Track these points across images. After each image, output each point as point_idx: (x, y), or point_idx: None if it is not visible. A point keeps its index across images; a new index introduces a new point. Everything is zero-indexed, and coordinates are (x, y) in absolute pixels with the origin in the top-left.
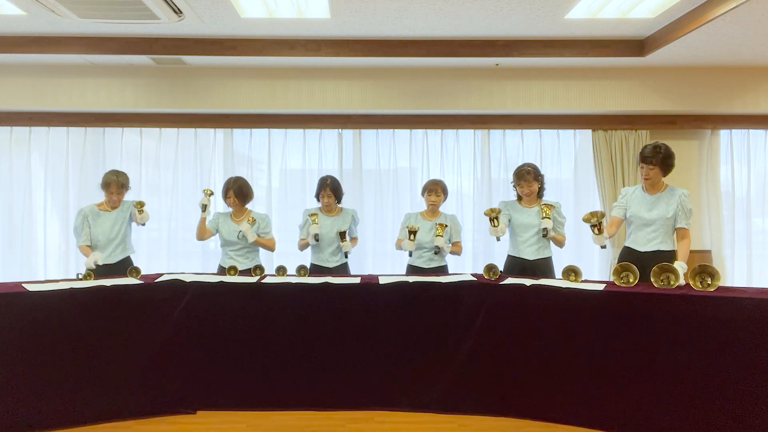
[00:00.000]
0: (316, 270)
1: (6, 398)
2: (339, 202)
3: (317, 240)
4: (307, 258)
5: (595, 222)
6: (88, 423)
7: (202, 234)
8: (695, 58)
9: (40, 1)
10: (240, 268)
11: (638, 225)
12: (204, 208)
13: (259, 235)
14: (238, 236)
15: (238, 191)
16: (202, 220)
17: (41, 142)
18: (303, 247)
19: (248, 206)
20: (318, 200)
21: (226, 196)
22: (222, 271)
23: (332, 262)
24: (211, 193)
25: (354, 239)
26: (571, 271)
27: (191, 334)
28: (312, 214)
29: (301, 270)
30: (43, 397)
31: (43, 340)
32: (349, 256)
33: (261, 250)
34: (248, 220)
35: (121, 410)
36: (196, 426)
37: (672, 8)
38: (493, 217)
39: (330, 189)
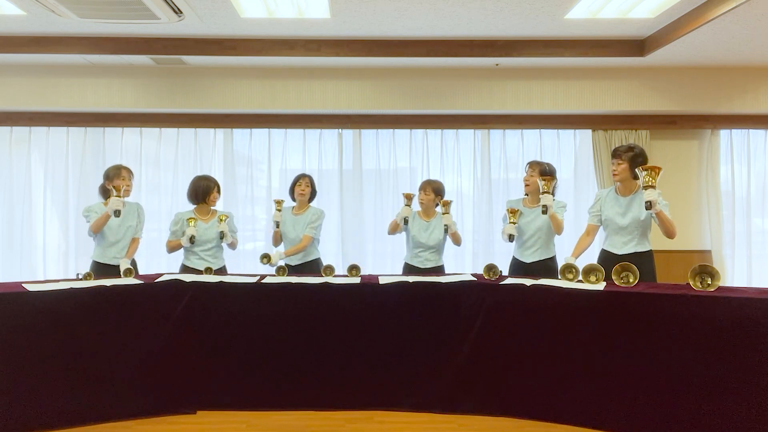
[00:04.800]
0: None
1: (6, 398)
2: (312, 199)
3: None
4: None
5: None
6: (88, 423)
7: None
8: (695, 58)
9: (40, 1)
10: (214, 268)
11: (614, 229)
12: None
13: (231, 235)
14: (221, 236)
15: (218, 189)
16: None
17: (41, 142)
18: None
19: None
20: (292, 196)
21: (211, 194)
22: (187, 271)
23: (295, 260)
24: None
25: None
26: (570, 268)
27: (191, 334)
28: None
29: (279, 270)
30: (43, 397)
31: (43, 340)
32: (317, 252)
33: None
34: (220, 219)
35: (121, 410)
36: (196, 426)
37: (672, 8)
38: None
39: (309, 179)
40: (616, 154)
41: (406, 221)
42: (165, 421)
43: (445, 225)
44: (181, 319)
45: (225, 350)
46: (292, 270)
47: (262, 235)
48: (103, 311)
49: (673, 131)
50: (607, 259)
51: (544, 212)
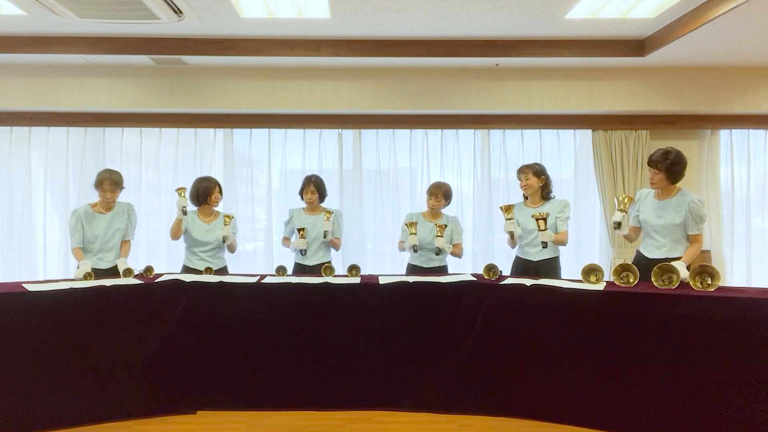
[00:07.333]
0: (298, 269)
1: (6, 398)
2: (322, 201)
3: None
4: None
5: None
6: (88, 423)
7: (178, 234)
8: (695, 58)
9: (40, 1)
10: (215, 268)
11: (648, 231)
12: (184, 210)
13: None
14: (223, 239)
15: (220, 190)
16: (179, 221)
17: (41, 142)
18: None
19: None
20: (302, 198)
21: (212, 194)
22: (188, 272)
23: (313, 260)
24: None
25: (337, 240)
26: (592, 271)
27: (191, 334)
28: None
29: (279, 270)
30: (43, 397)
31: (43, 340)
32: (330, 254)
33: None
34: (225, 222)
35: (121, 410)
36: (196, 426)
37: (672, 8)
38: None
39: (314, 185)
40: (653, 163)
41: (415, 249)
42: (165, 421)
43: (438, 248)
44: (181, 319)
45: (225, 350)
46: (309, 270)
47: (262, 235)
48: (103, 311)
49: (673, 131)
50: (640, 261)
51: (545, 247)
